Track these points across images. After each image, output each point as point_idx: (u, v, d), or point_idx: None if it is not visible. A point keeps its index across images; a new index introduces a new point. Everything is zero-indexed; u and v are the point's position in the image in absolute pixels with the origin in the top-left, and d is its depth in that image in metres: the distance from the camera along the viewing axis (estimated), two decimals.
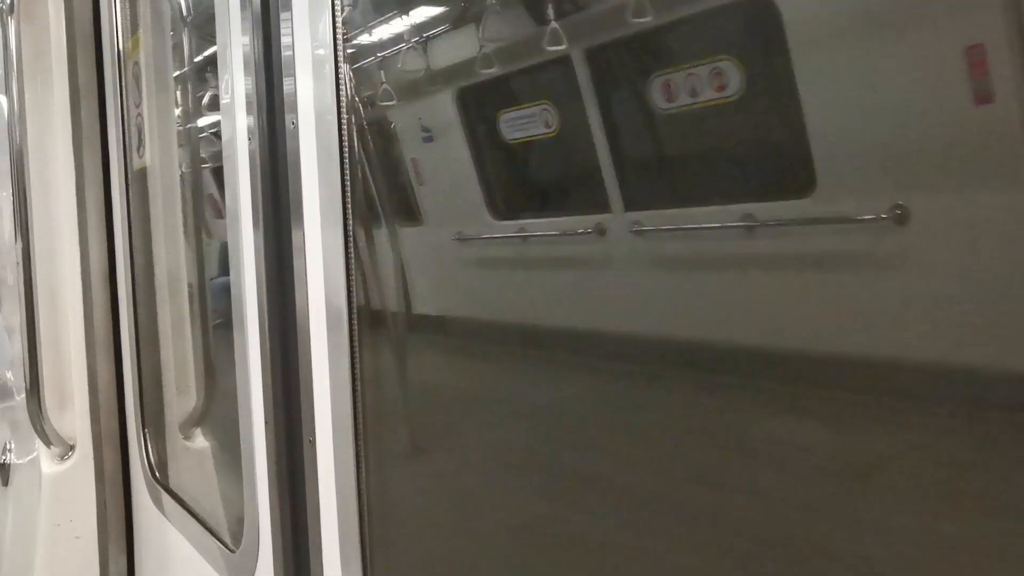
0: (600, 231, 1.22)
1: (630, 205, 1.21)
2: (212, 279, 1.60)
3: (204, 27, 1.47)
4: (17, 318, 1.60)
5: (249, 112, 0.98)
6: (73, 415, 1.63)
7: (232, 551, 1.15)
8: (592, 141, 1.26)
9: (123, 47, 1.59)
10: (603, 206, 1.23)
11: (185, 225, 1.63)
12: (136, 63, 1.59)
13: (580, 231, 1.26)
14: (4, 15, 1.59)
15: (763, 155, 1.07)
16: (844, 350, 0.85)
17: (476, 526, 1.05)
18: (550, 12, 1.11)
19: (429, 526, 1.05)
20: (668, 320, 1.01)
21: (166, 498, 1.48)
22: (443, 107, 1.41)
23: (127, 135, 1.59)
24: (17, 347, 1.65)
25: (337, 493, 0.89)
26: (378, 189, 1.10)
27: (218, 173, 1.14)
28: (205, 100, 1.56)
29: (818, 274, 0.97)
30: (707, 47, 1.03)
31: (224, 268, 1.12)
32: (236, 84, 1.02)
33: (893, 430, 0.79)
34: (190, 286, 1.64)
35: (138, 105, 1.59)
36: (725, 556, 0.81)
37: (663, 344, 0.99)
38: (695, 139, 1.17)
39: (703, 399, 0.95)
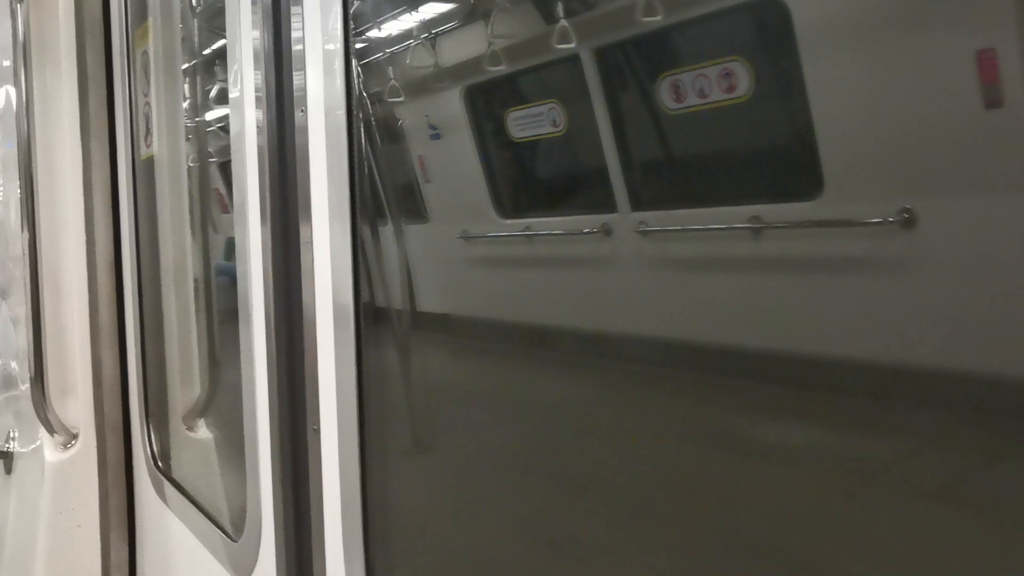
0: (606, 231, 1.22)
1: (636, 205, 1.21)
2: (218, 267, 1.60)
3: (214, 19, 1.47)
4: (22, 308, 1.60)
5: (258, 106, 0.99)
6: (77, 404, 1.64)
7: (234, 540, 1.16)
8: (599, 141, 1.26)
9: (132, 36, 1.59)
10: (609, 206, 1.23)
11: (192, 216, 1.63)
12: (145, 52, 1.59)
13: (586, 231, 1.26)
14: (13, 3, 1.59)
15: (771, 157, 1.07)
16: (848, 352, 0.86)
17: (478, 518, 1.06)
18: (559, 10, 1.11)
19: (432, 517, 1.06)
20: (672, 321, 1.01)
21: (168, 487, 1.48)
22: (451, 104, 1.41)
23: (135, 124, 1.59)
24: (22, 337, 1.65)
25: (341, 482, 0.89)
26: (385, 186, 1.11)
27: (226, 166, 1.14)
28: (214, 93, 1.56)
29: (822, 276, 0.97)
30: (717, 48, 1.03)
31: (230, 260, 1.12)
32: (245, 78, 1.02)
33: (896, 433, 0.79)
34: (196, 278, 1.65)
35: (146, 95, 1.59)
36: (728, 557, 0.82)
37: (667, 344, 0.99)
38: (703, 140, 1.17)
39: (707, 400, 0.95)
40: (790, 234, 1.02)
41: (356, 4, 0.89)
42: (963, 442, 0.75)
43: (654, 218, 1.17)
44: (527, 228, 1.34)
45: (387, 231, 1.11)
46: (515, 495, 1.01)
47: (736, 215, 1.02)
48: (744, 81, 1.04)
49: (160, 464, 1.57)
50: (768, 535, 0.78)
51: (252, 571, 1.07)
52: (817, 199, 1.00)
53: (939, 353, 0.79)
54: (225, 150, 1.15)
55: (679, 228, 1.16)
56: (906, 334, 0.82)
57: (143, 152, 1.61)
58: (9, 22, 1.62)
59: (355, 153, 0.86)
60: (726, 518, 0.81)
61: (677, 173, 1.23)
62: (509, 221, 1.40)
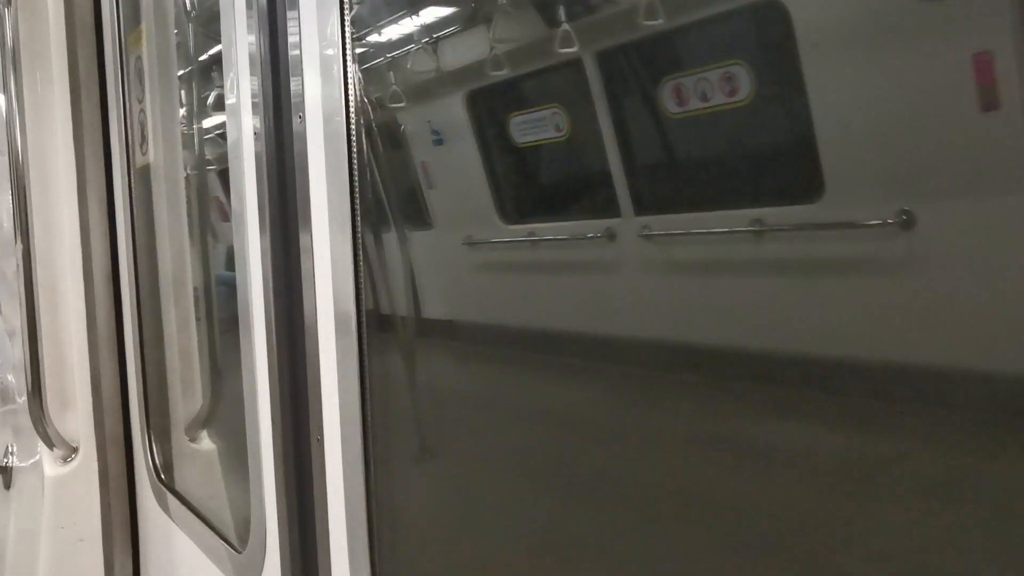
0: (610, 235, 1.22)
1: (640, 210, 1.21)
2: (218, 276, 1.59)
3: (209, 24, 1.45)
4: (18, 320, 1.58)
5: (255, 112, 0.97)
6: (76, 417, 1.62)
7: (239, 552, 1.15)
8: (602, 145, 1.26)
9: (125, 40, 1.57)
10: (612, 211, 1.23)
11: (190, 224, 1.61)
12: (139, 57, 1.57)
13: (590, 235, 1.26)
14: (1, 6, 1.57)
15: (772, 161, 1.07)
16: (850, 353, 0.86)
17: (486, 528, 1.06)
18: (561, 14, 1.11)
19: (438, 527, 1.05)
20: (677, 325, 1.01)
21: (171, 500, 1.47)
22: (453, 110, 1.41)
23: (129, 131, 1.57)
24: (18, 349, 1.63)
25: (345, 492, 0.89)
26: (387, 192, 1.10)
27: (224, 174, 1.13)
28: (210, 99, 1.54)
29: (824, 278, 0.97)
30: (718, 51, 1.03)
31: (230, 269, 1.11)
32: (242, 84, 1.01)
33: (897, 433, 0.79)
34: (195, 287, 1.63)
35: (141, 101, 1.57)
36: (729, 557, 0.82)
37: (671, 348, 0.99)
38: (706, 144, 1.17)
39: (710, 402, 0.95)
40: (792, 236, 1.02)
41: (355, 8, 0.88)
42: (963, 439, 0.75)
43: (657, 222, 1.17)
44: (531, 233, 1.34)
45: (390, 237, 1.10)
46: (523, 504, 1.01)
47: (738, 218, 1.02)
48: (746, 85, 1.04)
49: (163, 476, 1.56)
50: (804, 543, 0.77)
51: None
52: (818, 202, 1.00)
53: (937, 352, 0.80)
54: (223, 157, 1.13)
55: (682, 232, 1.16)
56: (905, 333, 0.83)
57: (139, 160, 1.59)
58: None
59: (355, 159, 0.85)
60: (745, 524, 0.81)
61: (680, 177, 1.23)
62: (512, 226, 1.39)
